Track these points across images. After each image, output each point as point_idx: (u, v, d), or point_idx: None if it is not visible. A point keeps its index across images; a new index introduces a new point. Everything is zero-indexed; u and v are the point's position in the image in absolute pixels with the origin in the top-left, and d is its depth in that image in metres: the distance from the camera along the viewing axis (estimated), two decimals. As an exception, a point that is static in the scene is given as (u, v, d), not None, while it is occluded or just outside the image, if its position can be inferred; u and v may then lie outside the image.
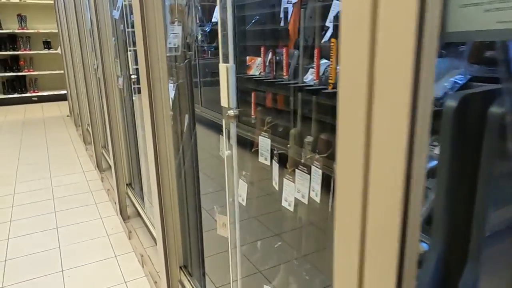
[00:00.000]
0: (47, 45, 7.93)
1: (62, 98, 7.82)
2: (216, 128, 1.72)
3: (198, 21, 1.47)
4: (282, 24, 1.43)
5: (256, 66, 1.43)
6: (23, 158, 4.27)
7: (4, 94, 7.66)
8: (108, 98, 2.49)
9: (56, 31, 7.51)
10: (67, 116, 6.57)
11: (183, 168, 1.66)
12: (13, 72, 7.63)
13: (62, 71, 7.66)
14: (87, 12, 3.44)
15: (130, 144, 2.73)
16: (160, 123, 1.54)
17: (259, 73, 1.39)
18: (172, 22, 1.55)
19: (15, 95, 7.69)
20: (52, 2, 7.41)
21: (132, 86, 2.15)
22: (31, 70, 7.78)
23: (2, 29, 7.44)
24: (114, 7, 2.48)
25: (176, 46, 1.53)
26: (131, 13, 2.51)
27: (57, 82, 8.09)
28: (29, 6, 7.67)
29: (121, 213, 2.75)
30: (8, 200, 3.16)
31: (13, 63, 7.66)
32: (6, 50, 7.51)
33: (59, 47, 6.97)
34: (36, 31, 7.67)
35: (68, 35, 4.55)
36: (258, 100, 1.33)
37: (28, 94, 7.80)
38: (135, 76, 2.03)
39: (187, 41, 1.53)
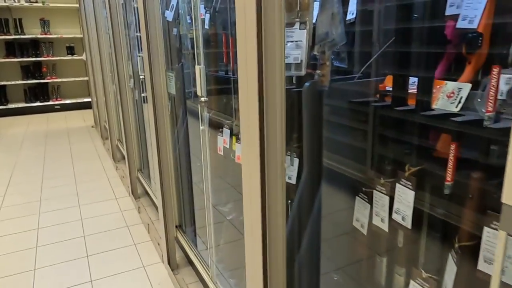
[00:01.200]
0: (71, 50, 7.54)
1: (86, 106, 7.40)
2: (336, 180, 1.16)
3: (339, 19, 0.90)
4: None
5: (448, 96, 0.86)
6: (47, 180, 3.79)
7: (26, 102, 7.28)
8: (158, 120, 1.96)
9: (80, 36, 7.11)
10: (92, 127, 6.13)
11: (297, 241, 1.09)
12: (36, 79, 7.24)
13: (85, 78, 7.25)
14: (124, 13, 2.93)
15: (182, 179, 2.20)
16: (273, 174, 0.99)
17: (458, 107, 0.82)
18: (291, 24, 0.99)
19: (37, 104, 7.31)
20: (76, 5, 7.01)
21: (200, 112, 1.60)
22: (53, 77, 7.38)
23: (24, 34, 7.07)
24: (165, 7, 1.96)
25: (299, 61, 0.97)
26: (188, 14, 1.98)
27: (80, 90, 7.68)
28: (52, 10, 7.28)
29: (169, 262, 2.21)
30: (31, 237, 2.66)
31: (35, 69, 7.28)
32: (28, 57, 7.13)
33: (84, 53, 6.55)
34: (59, 36, 7.28)
35: (97, 40, 4.07)
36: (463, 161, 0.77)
37: (50, 103, 7.41)
38: (205, 99, 1.49)
39: (315, 53, 0.97)
